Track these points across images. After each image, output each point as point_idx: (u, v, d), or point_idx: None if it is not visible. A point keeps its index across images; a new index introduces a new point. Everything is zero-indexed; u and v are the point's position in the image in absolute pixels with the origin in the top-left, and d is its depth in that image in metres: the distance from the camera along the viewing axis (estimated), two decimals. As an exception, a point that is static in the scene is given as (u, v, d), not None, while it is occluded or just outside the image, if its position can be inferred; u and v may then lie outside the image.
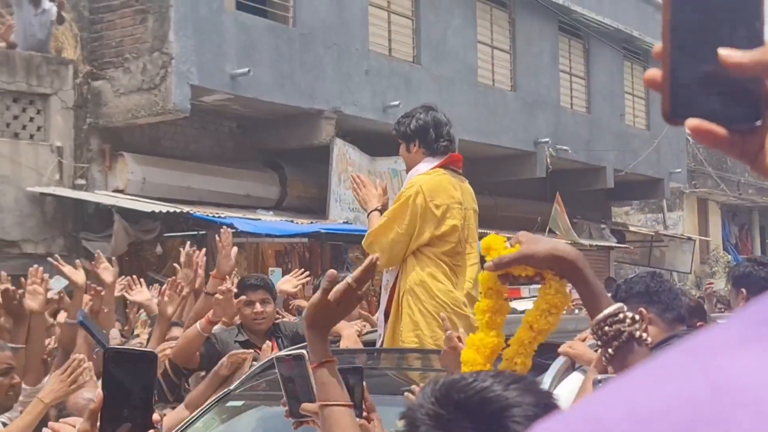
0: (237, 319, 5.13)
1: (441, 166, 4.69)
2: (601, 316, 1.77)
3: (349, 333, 4.74)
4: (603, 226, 19.92)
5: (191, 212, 10.74)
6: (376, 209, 4.72)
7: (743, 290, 4.55)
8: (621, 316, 1.77)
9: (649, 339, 1.82)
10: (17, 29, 11.03)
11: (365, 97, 13.00)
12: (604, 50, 18.25)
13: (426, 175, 4.63)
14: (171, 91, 10.72)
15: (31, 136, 10.88)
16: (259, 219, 11.68)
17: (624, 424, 0.54)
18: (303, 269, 6.90)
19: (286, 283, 6.42)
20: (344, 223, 12.62)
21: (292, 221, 12.06)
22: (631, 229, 21.79)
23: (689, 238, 22.74)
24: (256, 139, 12.87)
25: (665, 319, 3.37)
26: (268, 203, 12.69)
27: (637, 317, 1.79)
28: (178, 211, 10.60)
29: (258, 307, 4.95)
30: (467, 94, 14.92)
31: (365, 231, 13.35)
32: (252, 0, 11.84)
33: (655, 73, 0.88)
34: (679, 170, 20.72)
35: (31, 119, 10.91)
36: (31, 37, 11.04)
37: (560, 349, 3.34)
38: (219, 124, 12.68)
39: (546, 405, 1.42)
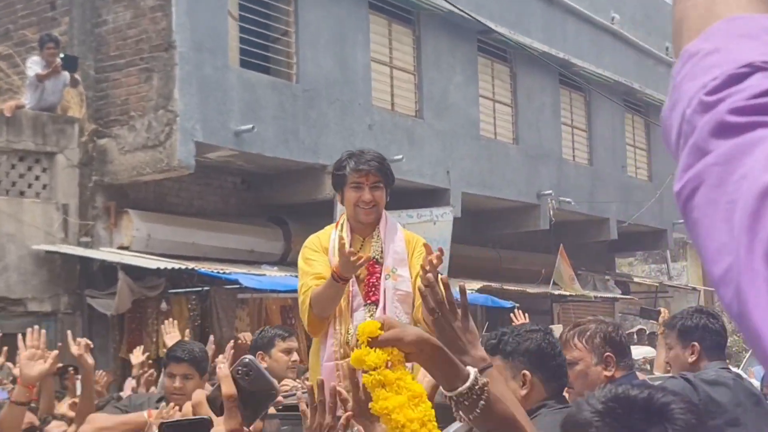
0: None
1: None
2: (463, 389, 1.95)
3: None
4: (607, 277, 19.89)
5: (196, 268, 10.75)
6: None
7: (695, 344, 4.18)
8: (477, 388, 1.95)
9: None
10: (29, 93, 11.12)
11: (368, 152, 13.05)
12: (604, 102, 18.38)
13: None
14: (176, 148, 10.80)
15: (37, 194, 10.94)
16: (264, 274, 11.68)
17: None
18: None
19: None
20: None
21: (296, 276, 12.04)
22: (636, 280, 21.75)
23: (694, 289, 22.68)
24: (260, 195, 12.93)
25: (548, 388, 3.01)
26: (272, 258, 12.69)
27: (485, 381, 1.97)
28: (182, 267, 10.61)
29: (177, 382, 4.53)
30: (470, 147, 15.00)
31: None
32: (255, 57, 11.97)
33: None
34: (682, 221, 20.66)
35: (37, 177, 10.98)
36: (42, 101, 11.13)
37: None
38: (223, 180, 12.75)
39: (697, 406, 1.69)
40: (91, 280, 11.19)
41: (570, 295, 16.67)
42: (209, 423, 1.80)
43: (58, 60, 10.81)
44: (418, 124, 14.22)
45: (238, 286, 11.16)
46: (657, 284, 21.85)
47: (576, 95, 18.17)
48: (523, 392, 2.97)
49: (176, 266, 10.54)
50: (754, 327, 0.77)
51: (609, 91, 18.31)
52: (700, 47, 0.91)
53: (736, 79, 0.86)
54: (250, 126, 11.30)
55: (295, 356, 4.92)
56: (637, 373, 4.08)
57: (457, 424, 3.29)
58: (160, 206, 11.94)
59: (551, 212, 16.20)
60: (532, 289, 15.40)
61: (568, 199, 16.58)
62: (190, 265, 10.78)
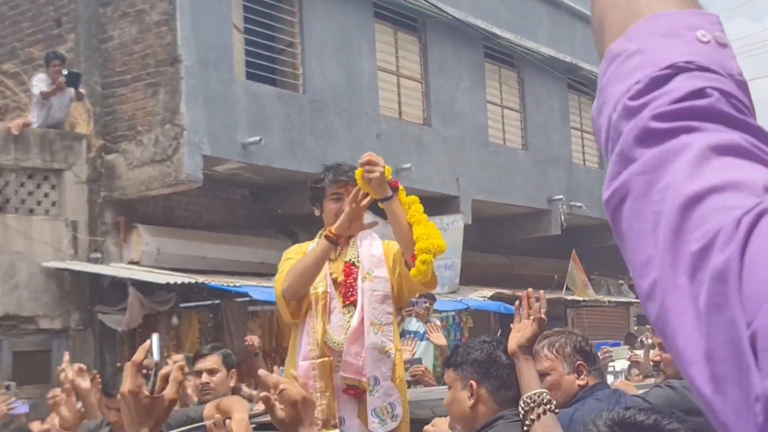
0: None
1: None
2: None
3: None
4: (621, 281, 19.77)
5: (206, 282, 10.71)
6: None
7: None
8: None
9: None
10: (35, 111, 11.14)
11: (377, 161, 13.00)
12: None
13: None
14: (183, 161, 10.78)
15: (46, 212, 10.93)
16: (273, 287, 11.62)
17: None
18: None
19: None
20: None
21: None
22: (650, 283, 21.56)
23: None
24: (269, 206, 12.90)
25: (497, 399, 2.98)
26: (283, 270, 12.63)
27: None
28: (192, 281, 10.58)
29: (204, 377, 4.63)
30: (478, 154, 14.95)
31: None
32: (261, 69, 11.95)
33: None
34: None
35: (46, 195, 10.97)
36: (49, 119, 11.14)
37: (426, 429, 3.22)
38: (231, 192, 12.72)
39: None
40: (102, 296, 11.17)
41: (584, 301, 16.57)
42: None
43: (62, 77, 10.81)
44: (426, 131, 14.17)
45: (248, 298, 11.11)
46: (671, 287, 21.68)
47: (585, 99, 18.09)
48: (471, 402, 2.99)
49: (186, 280, 10.51)
50: (676, 346, 0.74)
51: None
52: (624, 47, 0.88)
53: (659, 81, 0.83)
54: (258, 138, 11.27)
55: (205, 378, 4.72)
56: (622, 381, 3.98)
57: None
58: (169, 220, 11.92)
59: (562, 217, 16.13)
60: (545, 295, 15.27)
61: (579, 204, 16.50)
62: (200, 278, 10.75)
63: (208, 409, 4.05)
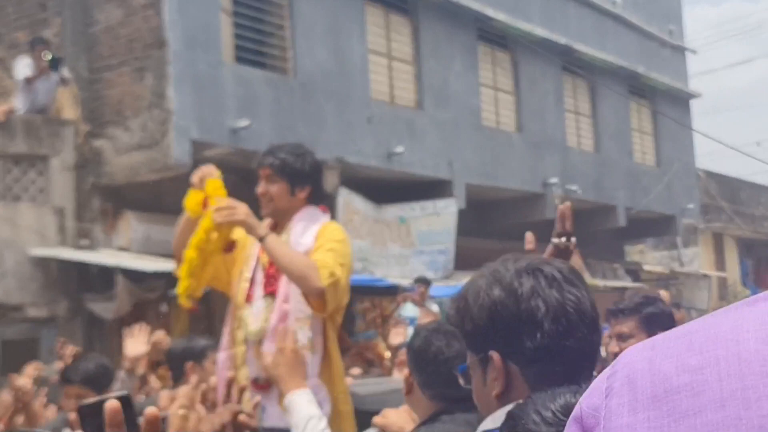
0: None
1: None
2: None
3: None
4: (617, 266, 19.66)
5: (195, 269, 10.55)
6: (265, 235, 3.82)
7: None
8: None
9: None
10: (20, 96, 10.99)
11: (368, 145, 12.87)
12: (610, 88, 18.14)
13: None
14: (171, 146, 10.61)
15: (33, 199, 10.76)
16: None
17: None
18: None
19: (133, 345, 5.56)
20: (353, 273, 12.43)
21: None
22: (646, 267, 21.51)
23: (705, 275, 22.43)
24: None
25: (425, 395, 2.65)
26: (274, 256, 12.50)
27: None
28: (181, 268, 10.41)
29: (72, 403, 4.13)
30: (472, 137, 14.78)
31: (374, 281, 13.04)
32: (250, 52, 11.76)
33: None
34: (692, 206, 20.49)
35: (33, 181, 10.80)
36: (35, 104, 10.99)
37: (374, 420, 2.91)
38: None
39: None
40: (90, 283, 11.02)
41: (579, 285, 16.43)
42: (130, 399, 1.73)
43: (45, 61, 10.65)
44: (418, 115, 14.00)
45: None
46: (667, 271, 21.60)
47: (579, 81, 17.93)
48: (406, 392, 2.71)
49: (174, 268, 10.34)
50: None
51: (613, 76, 18.07)
52: None
53: None
54: (247, 122, 11.10)
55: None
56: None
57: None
58: (158, 206, 11.75)
59: (557, 201, 15.98)
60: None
61: (574, 188, 16.36)
62: (190, 265, 10.58)
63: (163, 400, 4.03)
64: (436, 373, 2.62)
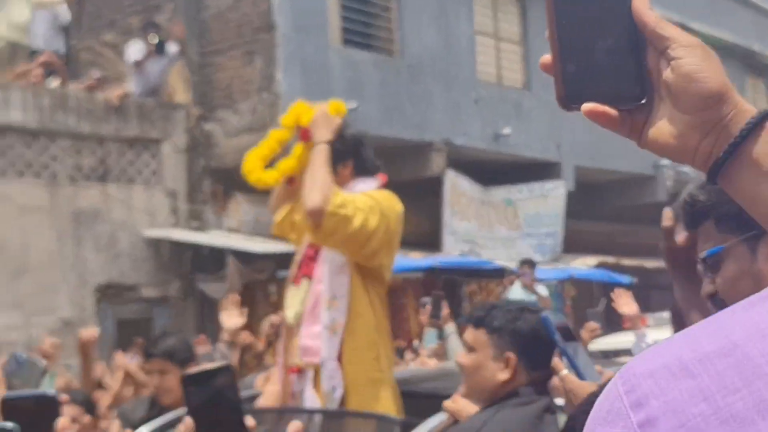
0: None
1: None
2: None
3: None
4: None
5: (304, 250, 10.66)
6: (325, 142, 3.73)
7: None
8: None
9: None
10: (133, 80, 11.26)
11: (475, 127, 12.77)
12: (724, 66, 17.59)
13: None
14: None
15: (146, 181, 11.01)
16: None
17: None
18: None
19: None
20: (460, 255, 12.37)
21: (405, 256, 11.86)
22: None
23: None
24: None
25: (531, 378, 2.68)
26: (381, 238, 12.54)
27: None
28: (289, 251, 10.53)
29: (155, 378, 4.19)
30: (581, 119, 14.35)
31: (481, 264, 12.94)
32: (357, 34, 11.78)
33: (548, 59, 0.96)
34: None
35: (146, 164, 11.05)
36: (145, 87, 11.25)
37: (445, 404, 2.82)
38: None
39: None
40: (201, 264, 11.23)
41: (691, 269, 16.04)
42: (232, 369, 1.75)
43: (153, 44, 10.90)
44: (526, 96, 13.82)
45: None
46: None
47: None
48: (503, 376, 2.62)
49: (283, 249, 10.46)
50: None
51: (728, 54, 17.51)
52: None
53: None
54: (354, 104, 11.12)
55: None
56: None
57: (440, 416, 2.99)
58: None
59: (669, 183, 15.59)
60: (650, 264, 14.85)
61: (686, 169, 15.93)
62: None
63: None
64: (545, 355, 2.55)
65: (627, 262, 14.24)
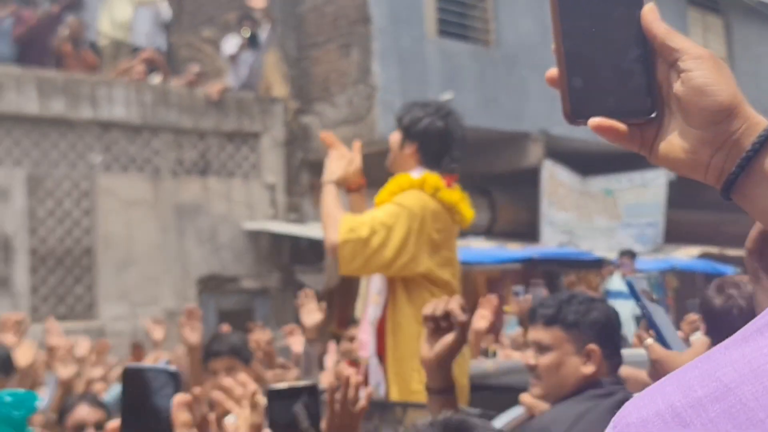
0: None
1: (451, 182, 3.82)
2: None
3: None
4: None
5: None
6: (332, 182, 3.73)
7: None
8: None
9: None
10: (230, 74, 11.46)
11: (574, 116, 12.58)
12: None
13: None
14: (377, 121, 10.74)
15: (245, 174, 11.18)
16: (469, 246, 11.48)
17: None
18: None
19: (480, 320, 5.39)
20: (558, 246, 12.23)
21: (503, 247, 11.79)
22: None
23: None
24: (463, 165, 12.71)
25: (610, 366, 2.66)
26: (478, 229, 12.48)
27: None
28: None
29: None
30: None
31: (579, 255, 12.78)
32: (453, 25, 11.73)
33: (554, 73, 0.95)
34: None
35: (245, 158, 11.22)
36: (241, 80, 11.42)
37: (522, 398, 2.80)
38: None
39: None
40: (300, 256, 11.35)
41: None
42: (317, 389, 1.73)
43: (245, 38, 11.09)
44: (625, 84, 13.57)
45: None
46: None
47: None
48: (588, 370, 2.57)
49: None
50: None
51: None
52: None
53: None
54: (451, 95, 11.08)
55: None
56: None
57: (517, 410, 2.92)
58: (365, 180, 11.95)
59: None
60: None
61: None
62: (395, 239, 10.72)
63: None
64: (618, 341, 2.66)
65: (731, 252, 13.87)
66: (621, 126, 0.91)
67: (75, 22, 11.23)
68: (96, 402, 4.23)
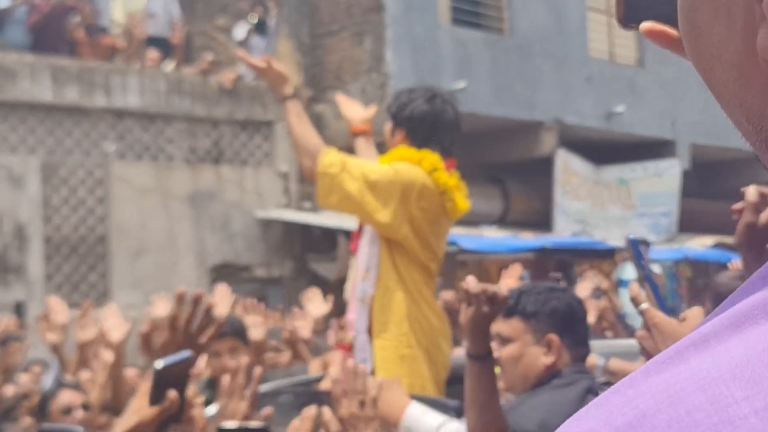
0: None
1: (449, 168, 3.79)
2: None
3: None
4: None
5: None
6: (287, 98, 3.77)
7: None
8: None
9: None
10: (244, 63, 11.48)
11: (587, 106, 12.55)
12: None
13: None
14: (389, 110, 10.73)
15: (258, 163, 11.19)
16: (483, 235, 11.47)
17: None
18: None
19: None
20: (571, 236, 12.21)
21: (516, 236, 11.77)
22: None
23: None
24: (475, 154, 12.69)
25: (573, 355, 2.62)
26: (491, 219, 12.46)
27: None
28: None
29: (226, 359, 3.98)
30: (698, 95, 14.11)
31: (593, 244, 12.77)
32: (466, 13, 11.69)
33: None
34: None
35: (258, 146, 11.23)
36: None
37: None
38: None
39: None
40: (313, 244, 11.36)
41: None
42: (268, 431, 1.77)
43: (251, 24, 11.11)
44: (639, 73, 13.51)
45: (457, 248, 11.00)
46: None
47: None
48: (548, 360, 2.56)
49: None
50: None
51: None
52: None
53: None
54: (464, 84, 11.06)
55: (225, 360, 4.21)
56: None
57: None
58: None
59: (790, 160, 15.07)
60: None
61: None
62: (408, 227, 10.72)
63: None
64: (583, 329, 2.69)
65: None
66: (673, 31, 0.85)
67: (87, 9, 11.25)
68: (78, 387, 4.26)
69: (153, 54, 11.07)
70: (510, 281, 5.56)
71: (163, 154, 10.61)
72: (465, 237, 10.95)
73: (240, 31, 11.55)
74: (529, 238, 11.71)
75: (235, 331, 4.08)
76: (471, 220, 12.19)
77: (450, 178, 3.67)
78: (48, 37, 10.95)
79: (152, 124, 10.57)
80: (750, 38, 0.54)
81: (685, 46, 0.62)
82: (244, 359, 3.86)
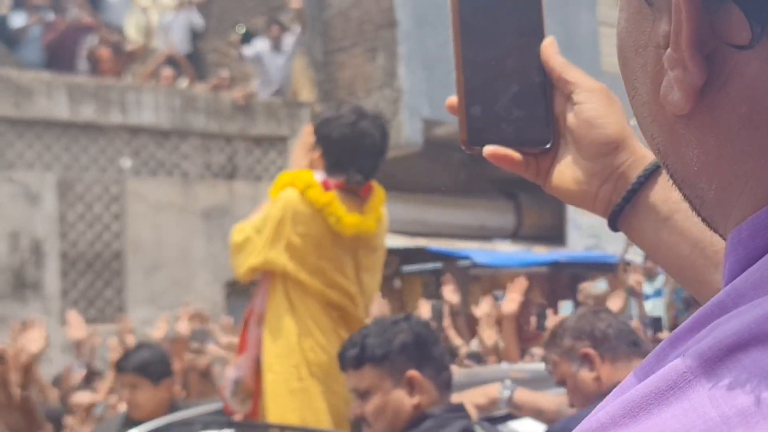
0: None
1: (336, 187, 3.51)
2: None
3: None
4: None
5: (427, 246, 10.73)
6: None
7: None
8: None
9: None
10: (258, 80, 11.54)
11: (600, 119, 12.57)
12: None
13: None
14: (403, 125, 10.79)
15: (273, 178, 11.23)
16: (495, 249, 11.50)
17: None
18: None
19: None
20: (585, 250, 12.22)
21: (529, 250, 11.80)
22: None
23: None
24: (488, 169, 12.73)
25: (437, 386, 2.43)
26: (504, 233, 12.49)
27: None
28: (413, 245, 10.62)
29: (127, 393, 4.07)
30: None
31: (605, 258, 12.77)
32: (479, 29, 11.76)
33: (454, 101, 0.97)
34: None
35: (273, 161, 11.29)
36: (271, 83, 11.51)
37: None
38: (450, 156, 12.63)
39: None
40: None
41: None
42: None
43: (239, 35, 11.26)
44: (651, 87, 13.54)
45: (470, 262, 11.04)
46: None
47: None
48: (415, 400, 2.36)
49: (407, 244, 10.55)
50: None
51: None
52: None
53: None
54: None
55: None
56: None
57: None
58: (391, 184, 11.90)
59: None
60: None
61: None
62: (421, 242, 10.76)
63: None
64: (439, 353, 2.53)
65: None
66: (516, 155, 0.92)
67: (106, 29, 11.38)
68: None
69: (167, 72, 11.17)
70: (515, 295, 5.62)
71: (177, 170, 10.68)
72: (478, 251, 11.00)
73: (251, 47, 11.61)
74: (542, 252, 11.73)
75: (135, 367, 4.06)
76: (484, 235, 12.23)
77: (323, 195, 3.44)
78: (63, 55, 11.07)
79: (167, 140, 10.65)
80: (657, 83, 0.55)
81: (618, 62, 0.64)
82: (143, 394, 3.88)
